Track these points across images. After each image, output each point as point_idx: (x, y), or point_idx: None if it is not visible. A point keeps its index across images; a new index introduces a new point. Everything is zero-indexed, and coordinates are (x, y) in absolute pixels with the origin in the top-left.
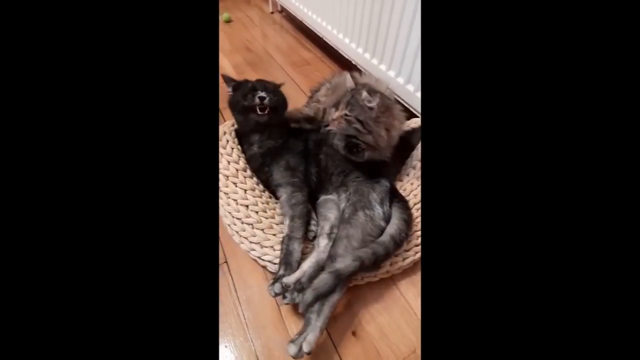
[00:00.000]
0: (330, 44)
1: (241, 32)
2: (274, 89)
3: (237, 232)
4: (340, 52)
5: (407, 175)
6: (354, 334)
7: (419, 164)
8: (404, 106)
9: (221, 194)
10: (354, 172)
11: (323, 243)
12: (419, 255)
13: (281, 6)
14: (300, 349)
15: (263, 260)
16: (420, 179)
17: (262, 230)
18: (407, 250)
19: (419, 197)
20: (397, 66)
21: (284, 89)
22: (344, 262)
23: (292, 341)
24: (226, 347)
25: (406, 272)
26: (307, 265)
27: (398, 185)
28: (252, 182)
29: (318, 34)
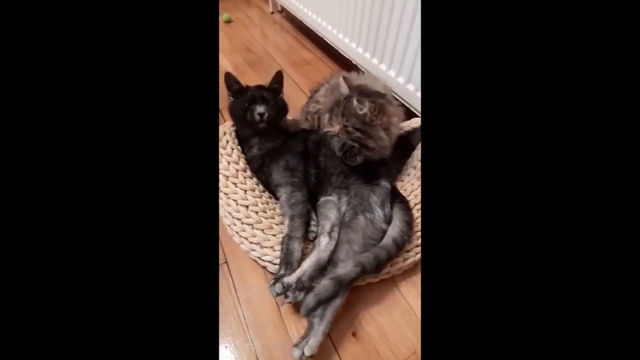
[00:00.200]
0: (331, 43)
1: (241, 32)
2: (274, 99)
3: (237, 232)
4: (341, 52)
5: (408, 175)
6: (354, 334)
7: (419, 164)
8: (403, 105)
9: (221, 195)
10: (354, 174)
11: (324, 241)
12: (419, 256)
13: (281, 6)
14: (303, 353)
15: (263, 260)
16: (420, 179)
17: (262, 230)
18: (408, 251)
19: (419, 198)
20: (397, 66)
21: (284, 89)
22: (345, 268)
23: (296, 345)
24: (226, 347)
25: (407, 272)
26: (308, 264)
27: (398, 185)
28: (252, 182)
29: (318, 34)
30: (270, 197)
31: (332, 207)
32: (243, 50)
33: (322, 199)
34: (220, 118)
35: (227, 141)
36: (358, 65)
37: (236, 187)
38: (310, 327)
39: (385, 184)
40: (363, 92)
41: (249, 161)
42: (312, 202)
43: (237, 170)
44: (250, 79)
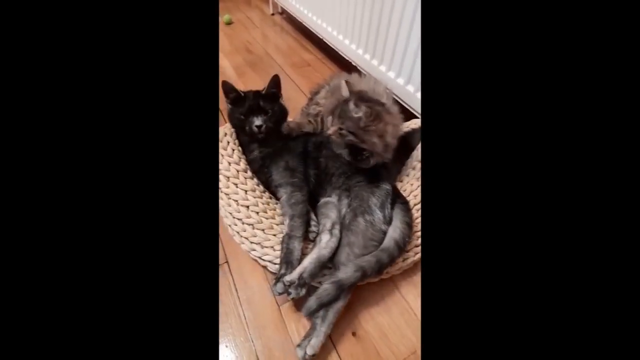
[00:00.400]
0: (331, 45)
1: (242, 33)
2: (272, 107)
3: (237, 232)
4: (341, 53)
5: (407, 175)
6: (354, 334)
7: (419, 165)
8: (403, 107)
9: (222, 195)
10: (354, 175)
11: (325, 239)
12: (419, 256)
13: (282, 8)
14: (306, 352)
15: (263, 260)
16: (420, 180)
17: (263, 230)
18: (408, 251)
19: (419, 198)
20: (397, 67)
21: (284, 90)
22: (346, 273)
23: (299, 345)
24: (227, 347)
25: (406, 272)
26: (308, 261)
27: (398, 185)
28: (252, 183)
29: (318, 35)
30: (270, 198)
31: (332, 208)
32: (243, 51)
33: (323, 200)
34: (221, 119)
35: (228, 142)
36: (358, 67)
37: (237, 187)
38: (312, 328)
39: (385, 185)
40: (362, 98)
41: (249, 163)
42: (312, 204)
43: (237, 171)
44: (251, 79)
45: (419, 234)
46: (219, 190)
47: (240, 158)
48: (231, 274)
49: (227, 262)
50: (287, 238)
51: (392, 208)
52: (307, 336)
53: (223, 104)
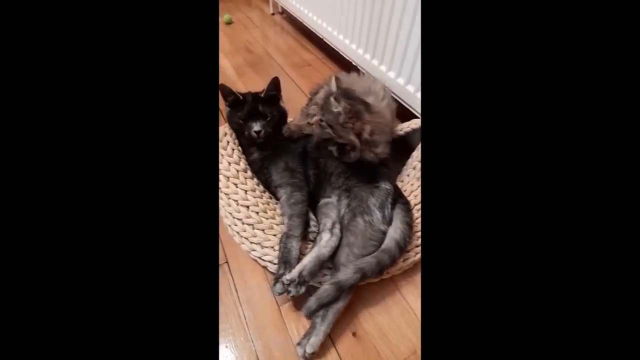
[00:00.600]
0: (331, 45)
1: (242, 33)
2: (271, 110)
3: (237, 232)
4: (341, 53)
5: (408, 175)
6: (354, 334)
7: (419, 165)
8: (403, 107)
9: (222, 195)
10: (354, 175)
11: (325, 237)
12: (419, 256)
13: (282, 8)
14: (305, 350)
15: (263, 260)
16: (420, 180)
17: (263, 230)
18: (408, 251)
19: (419, 198)
20: (397, 67)
21: (285, 90)
22: (346, 274)
23: (299, 344)
24: (227, 347)
25: (406, 272)
26: (308, 259)
27: (399, 185)
28: (252, 183)
29: (318, 35)
30: (270, 198)
31: (332, 208)
32: (243, 51)
33: (322, 201)
34: (221, 118)
35: (228, 142)
36: (358, 67)
37: (237, 187)
38: (312, 327)
39: (385, 185)
40: (347, 95)
41: (249, 164)
42: (312, 205)
43: (237, 171)
44: (251, 79)
45: (419, 234)
46: (219, 190)
47: (240, 158)
48: (231, 274)
49: (227, 262)
50: (285, 237)
51: (393, 208)
52: (307, 335)
53: (223, 104)
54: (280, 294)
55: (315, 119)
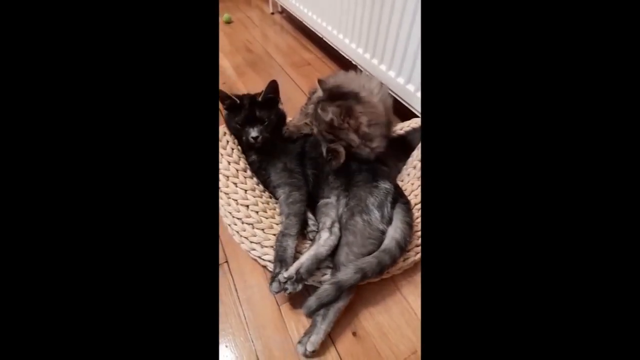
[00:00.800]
0: (331, 44)
1: (241, 32)
2: (269, 115)
3: (237, 232)
4: (341, 52)
5: (408, 175)
6: (354, 334)
7: (419, 164)
8: (403, 107)
9: (221, 194)
10: (353, 175)
11: (324, 236)
12: (419, 255)
13: (281, 7)
14: (306, 348)
15: (263, 260)
16: (420, 179)
17: (263, 230)
18: (408, 251)
19: (419, 197)
20: (397, 66)
21: (284, 90)
22: (346, 274)
23: (300, 342)
24: (227, 346)
25: (407, 272)
26: (306, 257)
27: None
28: (252, 182)
29: (318, 34)
30: (270, 197)
31: (331, 207)
32: (243, 50)
33: (322, 201)
34: (221, 118)
35: (227, 141)
36: (358, 66)
37: (236, 186)
38: (313, 325)
39: (384, 185)
40: (334, 95)
41: (248, 164)
42: (312, 205)
43: (237, 170)
44: (251, 79)
45: (419, 233)
46: (219, 190)
47: (239, 157)
48: (231, 274)
49: (226, 261)
50: (281, 236)
51: (393, 207)
52: (308, 333)
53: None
54: (277, 292)
55: (315, 130)
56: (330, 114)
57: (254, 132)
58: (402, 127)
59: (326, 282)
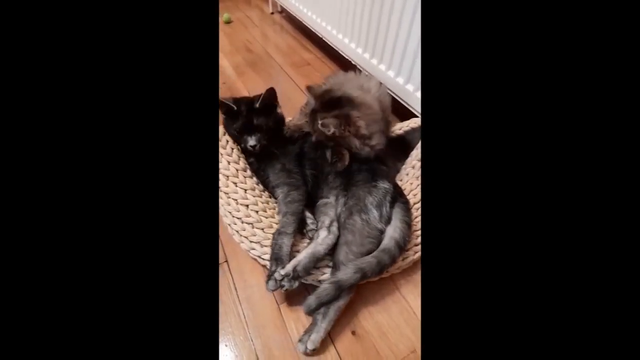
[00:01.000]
0: (330, 44)
1: (241, 32)
2: (266, 122)
3: (237, 231)
4: (340, 52)
5: (407, 174)
6: (353, 333)
7: (418, 164)
8: (403, 107)
9: (221, 194)
10: (352, 175)
11: (322, 235)
12: (418, 255)
13: (281, 7)
14: (307, 346)
15: (263, 259)
16: (419, 179)
17: (262, 229)
18: (407, 250)
19: (418, 197)
20: (396, 66)
21: (284, 90)
22: (346, 274)
23: (300, 340)
24: (226, 346)
25: (406, 271)
26: (303, 255)
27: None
28: (252, 181)
29: (318, 34)
30: (270, 197)
31: (330, 207)
32: (243, 50)
33: (321, 201)
34: (220, 118)
35: (227, 141)
36: (358, 66)
37: (236, 186)
38: (313, 323)
39: (383, 184)
40: (326, 104)
41: (248, 164)
42: (311, 206)
43: (237, 170)
44: (251, 79)
45: (419, 232)
46: (219, 189)
47: (239, 157)
48: (231, 273)
49: (226, 261)
50: (277, 234)
51: (392, 207)
52: (308, 331)
53: None
54: (273, 290)
55: (317, 140)
56: (332, 127)
57: (251, 141)
58: (401, 127)
59: (326, 281)
